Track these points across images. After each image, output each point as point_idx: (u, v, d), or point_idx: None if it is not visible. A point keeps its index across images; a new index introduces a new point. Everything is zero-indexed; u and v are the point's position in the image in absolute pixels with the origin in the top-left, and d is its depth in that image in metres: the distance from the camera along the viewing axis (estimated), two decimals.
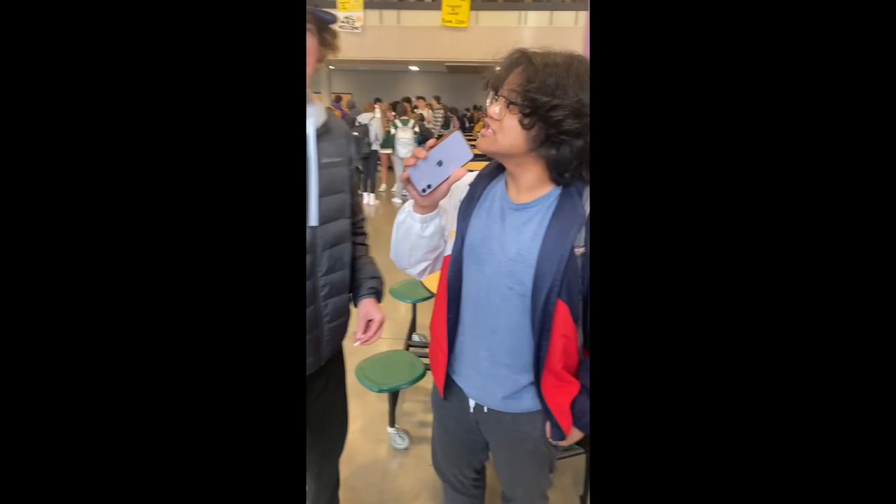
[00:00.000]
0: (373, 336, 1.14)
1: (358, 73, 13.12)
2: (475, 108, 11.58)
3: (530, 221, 0.86)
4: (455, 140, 0.78)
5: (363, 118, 6.71)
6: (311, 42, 0.92)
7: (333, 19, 0.96)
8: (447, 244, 0.97)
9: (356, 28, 8.49)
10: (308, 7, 0.87)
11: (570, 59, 0.80)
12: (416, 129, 6.52)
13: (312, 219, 1.01)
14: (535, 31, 7.82)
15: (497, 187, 0.91)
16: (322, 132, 1.03)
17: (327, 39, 0.97)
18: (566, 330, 0.85)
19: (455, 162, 0.79)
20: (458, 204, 0.93)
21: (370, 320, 1.14)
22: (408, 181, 0.81)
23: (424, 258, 0.96)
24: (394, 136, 6.43)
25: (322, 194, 1.02)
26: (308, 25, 0.90)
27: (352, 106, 8.14)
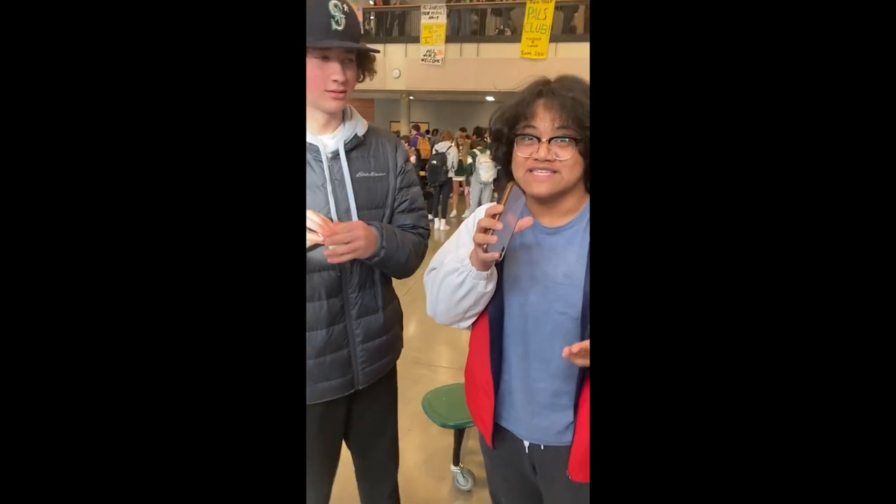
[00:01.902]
0: (340, 240, 0.86)
1: (436, 103, 13.55)
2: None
3: (572, 241, 0.85)
4: (516, 195, 0.75)
5: (441, 146, 6.86)
6: (353, 68, 0.95)
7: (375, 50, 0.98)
8: None
9: (437, 61, 8.77)
10: (347, 43, 0.90)
11: (574, 78, 0.81)
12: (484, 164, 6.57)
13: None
14: None
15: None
16: (353, 146, 1.00)
17: (366, 66, 0.99)
18: None
19: (515, 211, 0.75)
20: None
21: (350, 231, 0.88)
22: (488, 257, 0.75)
23: (481, 311, 0.91)
24: (471, 164, 6.52)
25: (356, 208, 0.98)
26: (349, 54, 0.92)
27: (431, 133, 8.34)
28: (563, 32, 8.31)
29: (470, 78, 8.67)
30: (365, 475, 1.27)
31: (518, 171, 0.84)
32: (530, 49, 8.02)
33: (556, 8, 7.93)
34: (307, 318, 0.97)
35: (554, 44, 8.01)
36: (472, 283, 0.83)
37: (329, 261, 0.89)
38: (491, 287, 0.85)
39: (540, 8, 7.91)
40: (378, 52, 0.97)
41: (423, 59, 8.70)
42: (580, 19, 8.35)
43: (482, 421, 0.97)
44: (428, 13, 8.58)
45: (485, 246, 0.73)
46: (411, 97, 11.03)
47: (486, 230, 0.73)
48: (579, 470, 0.87)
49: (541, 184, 0.80)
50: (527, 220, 0.77)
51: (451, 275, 0.85)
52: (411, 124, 9.59)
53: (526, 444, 0.95)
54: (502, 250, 0.76)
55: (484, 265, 0.79)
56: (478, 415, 0.99)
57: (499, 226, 0.72)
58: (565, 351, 0.74)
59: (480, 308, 0.89)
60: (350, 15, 0.91)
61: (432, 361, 2.85)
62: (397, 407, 1.25)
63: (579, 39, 8.27)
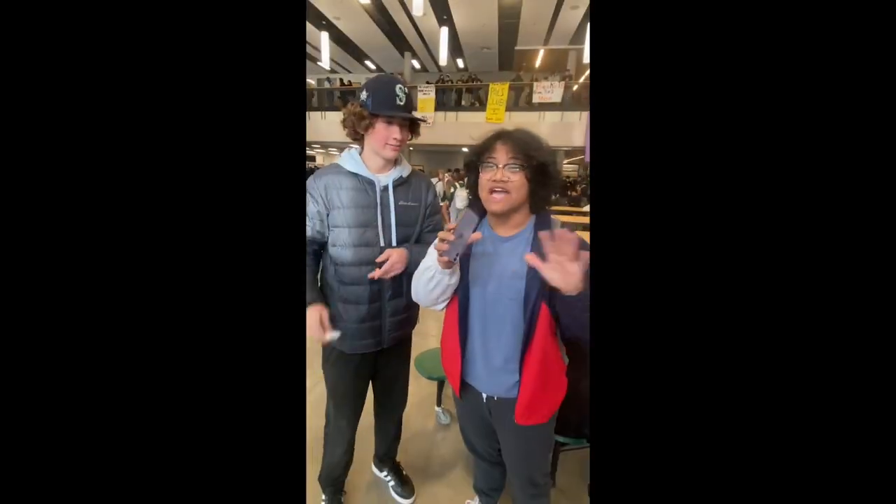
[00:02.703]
0: (386, 268, 0.97)
1: (428, 152, 13.60)
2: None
3: (518, 248, 0.85)
4: (468, 215, 0.77)
5: (431, 181, 6.91)
6: (406, 131, 1.01)
7: (423, 119, 1.04)
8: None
9: (428, 123, 8.83)
10: (404, 114, 0.96)
11: (524, 129, 0.83)
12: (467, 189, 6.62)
13: (393, 242, 1.02)
14: (551, 126, 7.75)
15: (483, 229, 0.89)
16: (399, 183, 1.06)
17: (413, 129, 1.05)
18: (549, 324, 0.83)
19: (468, 229, 0.77)
20: None
21: (388, 259, 0.98)
22: (445, 259, 0.78)
23: (450, 297, 0.92)
24: (453, 193, 6.63)
25: (396, 225, 1.03)
26: (404, 121, 0.99)
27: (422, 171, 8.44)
28: (515, 104, 8.46)
29: (451, 135, 8.88)
30: (383, 407, 1.32)
31: (482, 192, 0.84)
32: (492, 115, 8.30)
33: (510, 88, 8.21)
34: (355, 296, 1.03)
35: (509, 112, 8.16)
36: (438, 278, 0.84)
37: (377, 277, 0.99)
38: (454, 281, 0.85)
39: (499, 88, 8.28)
40: (426, 121, 1.06)
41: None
42: (525, 97, 8.57)
43: (452, 377, 0.97)
44: (422, 91, 8.79)
45: (441, 252, 0.76)
46: (411, 148, 11.05)
47: (442, 241, 0.75)
48: (522, 416, 0.89)
49: (497, 203, 0.82)
50: (476, 235, 0.77)
51: (425, 271, 0.86)
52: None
53: (484, 395, 0.95)
54: (456, 256, 0.77)
55: (445, 265, 0.80)
56: (449, 372, 0.99)
57: (451, 237, 0.75)
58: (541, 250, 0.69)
59: (448, 295, 0.89)
60: (409, 96, 0.98)
61: (423, 332, 2.75)
62: (409, 363, 1.28)
63: (526, 109, 8.44)
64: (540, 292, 0.79)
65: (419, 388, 2.07)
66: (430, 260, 0.85)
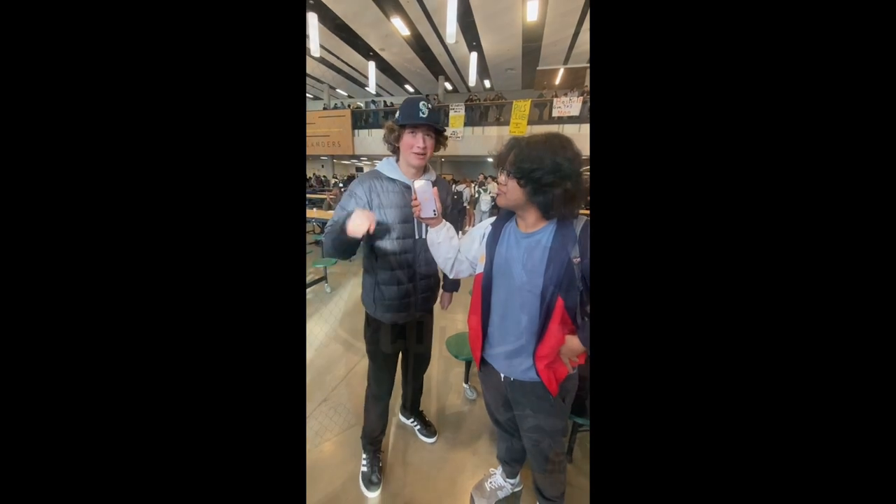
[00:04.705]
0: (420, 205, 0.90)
1: (458, 162, 13.62)
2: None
3: (538, 244, 0.83)
4: (420, 185, 0.84)
5: (460, 188, 6.86)
6: (431, 141, 1.02)
7: (444, 130, 1.05)
8: (479, 265, 0.92)
9: (459, 137, 8.84)
10: (433, 124, 0.98)
11: (548, 136, 0.79)
12: (492, 194, 6.56)
13: (424, 234, 1.07)
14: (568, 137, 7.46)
15: (510, 225, 0.90)
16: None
17: (441, 141, 1.06)
18: (562, 316, 0.82)
19: (426, 191, 0.84)
20: (482, 237, 0.93)
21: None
22: (422, 217, 0.87)
23: (447, 257, 0.96)
24: (478, 198, 6.52)
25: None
26: (430, 132, 1.00)
27: (456, 181, 8.41)
28: (537, 119, 8.24)
29: (478, 147, 8.78)
30: (408, 369, 1.40)
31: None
32: (515, 129, 8.19)
33: (533, 105, 8.07)
34: (397, 279, 1.09)
35: (530, 126, 7.98)
36: (432, 237, 0.93)
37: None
38: (441, 238, 0.92)
39: (521, 104, 8.21)
40: (445, 130, 1.03)
41: (450, 137, 8.78)
42: (546, 112, 8.35)
43: (476, 355, 0.99)
44: (454, 109, 8.85)
45: (419, 216, 0.85)
46: (443, 159, 11.10)
47: (415, 207, 0.85)
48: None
49: (499, 197, 0.85)
50: (434, 190, 0.85)
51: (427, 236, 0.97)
52: (441, 174, 9.72)
53: (502, 375, 0.95)
54: (434, 212, 0.85)
55: (431, 224, 0.90)
56: (473, 349, 1.00)
57: (417, 203, 0.84)
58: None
59: (444, 255, 0.94)
60: (432, 110, 0.99)
61: (451, 318, 2.79)
62: (432, 331, 1.34)
63: (546, 123, 8.20)
64: (556, 287, 0.78)
65: (449, 367, 2.11)
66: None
